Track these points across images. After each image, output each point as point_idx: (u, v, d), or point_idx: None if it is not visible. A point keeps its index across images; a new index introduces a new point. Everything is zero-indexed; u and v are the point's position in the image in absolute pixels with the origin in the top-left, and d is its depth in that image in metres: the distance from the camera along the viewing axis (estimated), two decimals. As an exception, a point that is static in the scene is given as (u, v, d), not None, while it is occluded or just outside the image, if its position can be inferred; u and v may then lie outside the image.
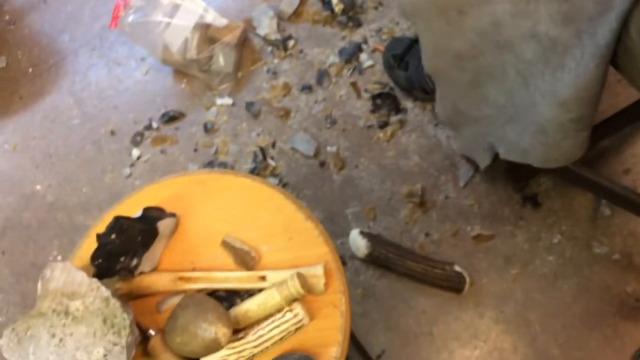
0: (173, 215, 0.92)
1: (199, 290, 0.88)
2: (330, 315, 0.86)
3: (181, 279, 0.88)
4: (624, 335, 1.40)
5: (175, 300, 0.88)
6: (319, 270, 0.85)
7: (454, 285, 1.45)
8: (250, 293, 0.88)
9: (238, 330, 0.85)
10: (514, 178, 1.53)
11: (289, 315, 0.83)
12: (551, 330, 1.42)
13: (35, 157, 1.79)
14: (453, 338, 1.45)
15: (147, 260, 0.88)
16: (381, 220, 1.56)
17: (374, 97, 1.67)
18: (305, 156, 1.66)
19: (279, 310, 0.84)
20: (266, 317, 0.84)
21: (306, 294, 0.84)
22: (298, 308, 0.83)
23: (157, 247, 0.89)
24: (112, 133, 1.78)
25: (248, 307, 0.84)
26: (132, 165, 1.73)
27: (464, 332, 1.45)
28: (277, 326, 0.83)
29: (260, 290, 0.86)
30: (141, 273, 0.88)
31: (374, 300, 1.49)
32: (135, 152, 1.73)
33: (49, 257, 1.67)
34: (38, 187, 1.76)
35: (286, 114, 1.71)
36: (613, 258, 1.46)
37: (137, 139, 1.75)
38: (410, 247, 1.52)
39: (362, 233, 1.50)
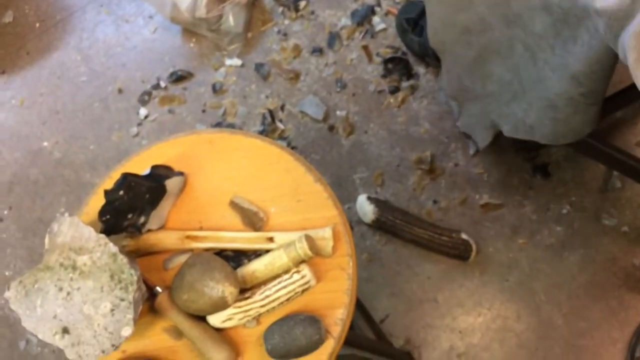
0: (181, 173, 0.91)
1: (206, 249, 0.88)
2: (337, 277, 0.85)
3: (188, 237, 0.88)
4: (628, 307, 1.40)
5: (182, 259, 0.88)
6: (327, 232, 0.85)
7: (460, 253, 1.45)
8: (257, 254, 0.87)
9: (245, 290, 0.85)
10: (525, 147, 1.51)
11: (296, 276, 0.83)
12: (556, 300, 1.43)
13: (42, 114, 1.78)
14: (457, 305, 1.45)
15: (155, 218, 0.88)
16: (389, 186, 1.55)
17: (386, 62, 1.65)
18: (314, 120, 1.64)
19: (286, 272, 0.83)
20: (273, 278, 0.84)
21: (314, 256, 0.83)
22: (305, 270, 0.83)
23: (164, 206, 0.89)
24: (120, 91, 1.76)
25: (255, 268, 0.84)
26: (139, 124, 1.72)
27: (468, 300, 1.45)
28: (284, 287, 0.83)
29: (267, 251, 0.86)
30: (148, 231, 0.88)
31: (379, 266, 1.50)
32: (143, 111, 1.72)
33: (56, 213, 1.67)
34: (45, 143, 1.75)
35: (296, 76, 1.69)
36: (621, 230, 1.45)
37: (144, 98, 1.74)
38: (418, 214, 1.52)
39: (369, 198, 1.50)
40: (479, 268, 1.47)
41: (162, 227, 0.90)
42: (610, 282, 1.43)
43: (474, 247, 1.45)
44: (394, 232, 1.48)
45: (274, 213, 0.89)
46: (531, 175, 1.51)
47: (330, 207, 0.88)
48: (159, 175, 0.87)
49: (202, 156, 0.94)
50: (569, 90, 0.97)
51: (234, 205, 0.90)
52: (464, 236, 1.45)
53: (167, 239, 0.88)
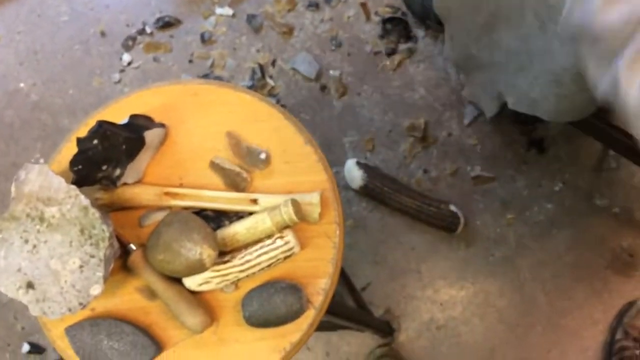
0: (162, 125, 0.85)
1: (185, 208, 0.83)
2: (323, 246, 0.81)
3: (167, 194, 0.83)
4: (613, 289, 1.39)
5: (159, 216, 0.83)
6: (314, 198, 0.80)
7: (447, 224, 1.42)
8: (239, 216, 0.82)
9: (224, 253, 0.80)
10: (522, 120, 1.47)
11: (279, 242, 0.78)
12: (540, 278, 1.41)
13: (20, 53, 1.68)
14: (440, 277, 1.43)
15: (131, 171, 0.82)
16: (379, 152, 1.50)
17: (384, 22, 1.58)
18: (306, 78, 1.57)
19: (269, 236, 0.79)
20: (255, 242, 0.79)
21: (299, 222, 0.79)
22: (289, 236, 0.78)
23: (142, 159, 0.83)
24: (103, 34, 1.67)
25: (236, 230, 0.79)
26: (122, 70, 1.63)
27: (451, 272, 1.43)
28: (266, 252, 0.78)
29: (250, 213, 0.81)
30: (124, 184, 0.82)
31: (363, 233, 1.46)
32: (126, 57, 1.64)
33: (31, 159, 1.60)
34: (22, 84, 1.66)
35: (289, 31, 1.61)
36: (613, 211, 1.42)
37: (128, 43, 1.65)
38: (407, 183, 1.47)
39: (358, 163, 1.45)
40: (465, 241, 1.44)
41: (139, 182, 0.84)
42: (596, 263, 1.41)
43: (461, 219, 1.41)
44: (382, 199, 1.44)
45: (259, 174, 0.84)
46: (526, 149, 1.47)
47: (319, 171, 0.83)
48: (138, 126, 0.81)
49: (186, 108, 0.88)
50: (576, 65, 0.92)
51: (214, 166, 0.84)
52: (452, 208, 1.42)
53: (144, 194, 0.83)
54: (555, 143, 1.47)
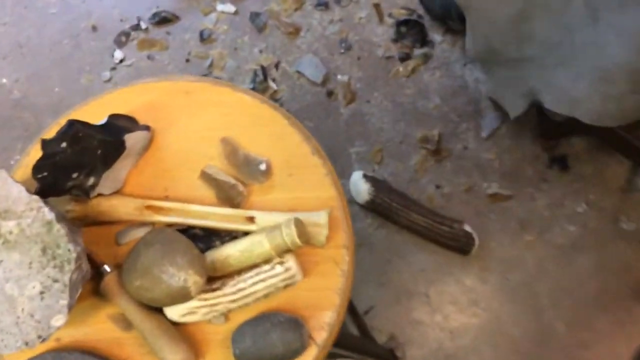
0: (146, 128, 0.74)
1: (170, 225, 0.72)
2: (329, 273, 0.70)
3: (149, 207, 0.72)
4: (638, 321, 1.29)
5: (139, 233, 0.72)
6: (322, 217, 0.69)
7: (460, 245, 1.31)
8: (233, 236, 0.71)
9: (213, 279, 0.69)
10: (544, 134, 1.37)
11: (278, 268, 0.67)
12: (560, 306, 1.31)
13: (3, 46, 1.59)
14: (450, 302, 1.32)
15: (108, 181, 0.71)
16: (388, 165, 1.40)
17: (399, 24, 1.49)
18: (312, 82, 1.48)
19: (267, 261, 0.68)
20: (250, 268, 0.68)
21: (302, 245, 0.67)
22: (290, 261, 0.67)
23: (122, 166, 0.72)
24: (94, 29, 1.58)
25: (229, 253, 0.68)
26: (113, 68, 1.54)
27: (463, 297, 1.33)
28: (262, 280, 0.67)
29: (246, 233, 0.70)
30: (99, 195, 0.71)
31: (368, 251, 1.36)
32: (119, 54, 1.54)
33: (11, 160, 1.50)
34: (4, 80, 1.57)
35: (295, 31, 1.52)
36: (641, 237, 1.32)
37: (121, 39, 1.55)
38: (417, 198, 1.37)
39: (365, 176, 1.35)
40: (478, 263, 1.34)
41: (117, 192, 0.73)
42: (621, 291, 1.31)
43: (476, 240, 1.31)
44: (389, 215, 1.34)
45: (257, 188, 0.73)
46: (547, 166, 1.37)
47: (328, 186, 0.72)
48: (118, 127, 0.70)
49: (176, 109, 0.77)
50: (634, 62, 0.82)
51: (206, 176, 0.73)
52: (466, 227, 1.31)
53: (122, 207, 0.72)
54: (579, 160, 1.37)
